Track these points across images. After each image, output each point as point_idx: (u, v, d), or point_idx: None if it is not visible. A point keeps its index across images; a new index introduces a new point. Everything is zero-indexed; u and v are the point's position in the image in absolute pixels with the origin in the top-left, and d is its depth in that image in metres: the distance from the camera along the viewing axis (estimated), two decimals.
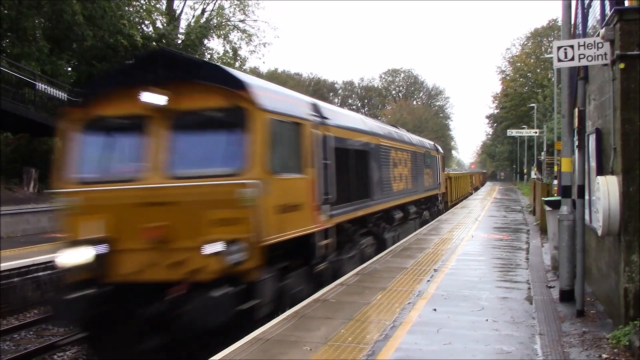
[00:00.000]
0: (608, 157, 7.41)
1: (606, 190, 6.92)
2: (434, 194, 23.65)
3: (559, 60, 7.60)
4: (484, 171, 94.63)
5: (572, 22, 9.29)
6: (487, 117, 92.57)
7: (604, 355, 6.16)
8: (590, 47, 7.38)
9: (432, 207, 23.74)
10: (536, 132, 44.06)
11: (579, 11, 9.43)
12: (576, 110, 8.36)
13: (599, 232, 7.27)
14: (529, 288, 9.43)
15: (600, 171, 7.63)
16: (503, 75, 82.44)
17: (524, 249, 13.93)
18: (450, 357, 5.93)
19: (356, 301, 8.33)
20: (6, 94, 21.58)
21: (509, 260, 12.20)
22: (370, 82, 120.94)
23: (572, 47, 7.48)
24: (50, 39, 27.43)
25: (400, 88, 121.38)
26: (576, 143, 8.71)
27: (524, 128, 53.99)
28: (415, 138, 20.95)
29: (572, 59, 7.48)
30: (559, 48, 7.60)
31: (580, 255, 8.04)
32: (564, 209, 8.61)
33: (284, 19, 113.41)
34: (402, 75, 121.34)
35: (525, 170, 65.46)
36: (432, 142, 25.89)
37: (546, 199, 12.53)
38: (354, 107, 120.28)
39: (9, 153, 26.98)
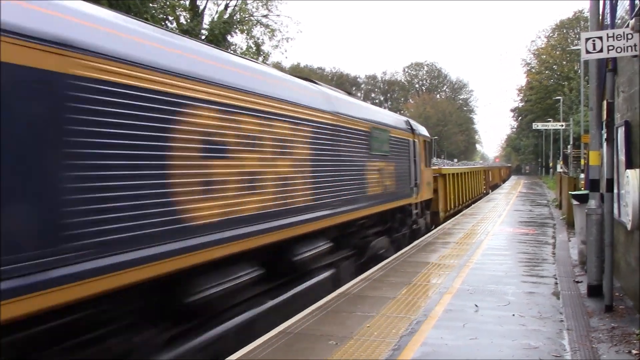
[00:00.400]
0: (637, 150, 7.29)
1: (636, 184, 6.81)
2: (404, 205, 14.19)
3: (588, 52, 7.49)
4: (509, 165, 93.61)
5: (600, 13, 9.13)
6: (512, 110, 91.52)
7: (634, 351, 6.07)
8: (619, 39, 7.25)
9: (400, 227, 14.29)
10: (562, 125, 43.43)
11: (607, 2, 9.26)
12: (605, 102, 8.22)
13: (629, 226, 7.16)
14: (556, 283, 9.34)
15: (630, 164, 7.51)
16: (528, 68, 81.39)
17: (551, 244, 13.77)
18: (477, 352, 5.90)
19: (381, 295, 8.32)
20: None
21: (535, 255, 12.07)
22: (393, 76, 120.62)
23: (600, 38, 7.36)
24: None
25: (424, 82, 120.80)
26: (604, 136, 8.57)
27: (549, 121, 53.24)
28: (346, 100, 10.84)
29: (601, 50, 7.36)
30: (587, 39, 7.48)
31: (608, 249, 7.92)
32: (592, 202, 8.49)
33: (307, 13, 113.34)
34: (426, 68, 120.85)
35: (550, 164, 64.63)
36: (403, 118, 15.98)
37: (573, 192, 12.36)
38: (377, 101, 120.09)
39: None
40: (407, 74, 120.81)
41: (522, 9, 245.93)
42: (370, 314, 7.31)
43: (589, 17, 8.78)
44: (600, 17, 9.36)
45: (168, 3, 34.27)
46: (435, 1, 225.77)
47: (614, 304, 7.80)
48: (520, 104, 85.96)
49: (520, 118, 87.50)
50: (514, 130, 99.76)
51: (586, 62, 9.81)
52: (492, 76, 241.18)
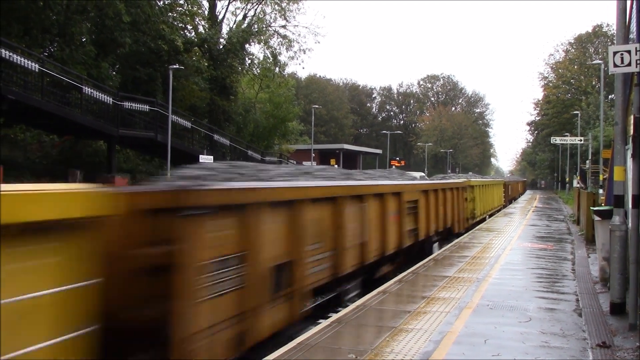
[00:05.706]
0: None
1: None
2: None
3: (615, 65, 7.36)
4: (524, 179, 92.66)
5: (626, 25, 9.01)
6: (528, 124, 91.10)
7: None
8: None
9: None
10: (581, 140, 43.04)
11: (634, 15, 9.13)
12: (632, 117, 8.08)
13: None
14: (577, 299, 9.16)
15: None
16: (545, 82, 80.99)
17: (570, 260, 13.56)
18: None
19: (399, 309, 8.21)
20: (54, 97, 22.13)
21: (555, 271, 11.89)
22: (408, 89, 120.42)
23: (629, 52, 7.24)
24: (95, 44, 28.06)
25: (439, 94, 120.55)
26: (630, 151, 8.41)
27: (566, 136, 52.86)
28: None
29: (629, 64, 7.24)
30: (614, 53, 7.36)
31: (633, 267, 7.74)
32: (616, 219, 8.33)
33: (324, 24, 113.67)
34: (442, 81, 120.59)
35: (567, 179, 64.04)
36: None
37: (596, 208, 12.15)
38: (392, 113, 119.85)
39: (55, 155, 27.66)
40: (422, 86, 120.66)
41: (541, 24, 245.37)
42: (389, 327, 7.19)
43: (615, 30, 8.66)
44: (626, 31, 9.23)
45: (187, 12, 34.52)
46: (454, 14, 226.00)
47: (638, 322, 7.62)
48: (537, 118, 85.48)
49: (536, 132, 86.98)
50: (530, 144, 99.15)
51: (607, 77, 9.67)
52: (509, 90, 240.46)
